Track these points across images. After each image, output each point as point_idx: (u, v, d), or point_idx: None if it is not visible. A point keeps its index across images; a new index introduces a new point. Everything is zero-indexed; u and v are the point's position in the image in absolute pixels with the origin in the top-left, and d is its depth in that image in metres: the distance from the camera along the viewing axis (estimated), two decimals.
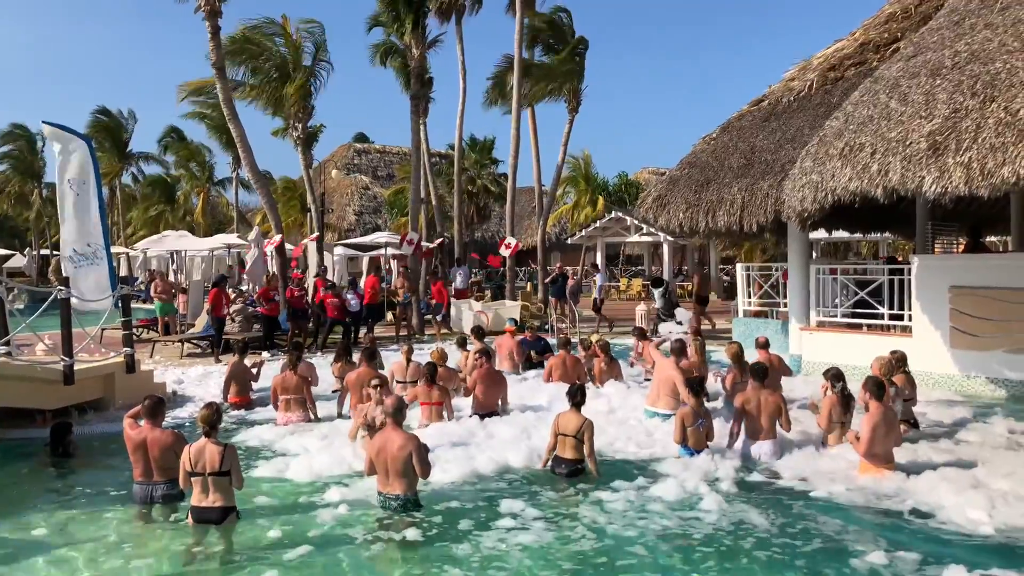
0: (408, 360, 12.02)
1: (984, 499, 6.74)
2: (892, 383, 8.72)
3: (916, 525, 6.47)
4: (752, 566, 5.74)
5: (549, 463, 8.06)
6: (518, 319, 19.06)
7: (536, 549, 6.05)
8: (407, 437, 6.80)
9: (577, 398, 8.08)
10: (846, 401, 8.51)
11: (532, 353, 14.16)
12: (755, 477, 7.88)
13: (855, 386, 8.46)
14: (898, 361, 9.50)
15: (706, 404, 8.68)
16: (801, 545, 6.08)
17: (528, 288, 30.49)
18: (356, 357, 12.29)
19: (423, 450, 6.82)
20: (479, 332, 13.54)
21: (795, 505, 7.03)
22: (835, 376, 8.61)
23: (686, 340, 11.52)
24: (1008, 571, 5.48)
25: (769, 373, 9.19)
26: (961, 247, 16.15)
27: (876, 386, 7.72)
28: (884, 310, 12.83)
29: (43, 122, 12.11)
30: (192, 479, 6.45)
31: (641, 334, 14.10)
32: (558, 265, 27.29)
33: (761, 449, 8.40)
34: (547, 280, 24.16)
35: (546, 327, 20.68)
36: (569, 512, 6.93)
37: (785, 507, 6.97)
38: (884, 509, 6.84)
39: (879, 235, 23.75)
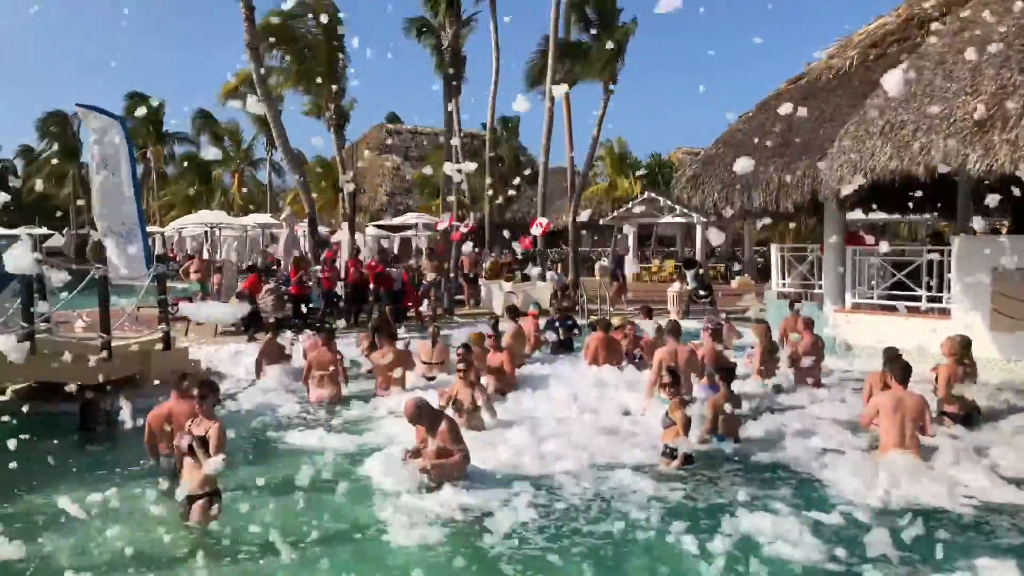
0: (435, 341, 12.04)
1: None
2: (964, 364, 8.61)
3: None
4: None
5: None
6: (547, 301, 19.03)
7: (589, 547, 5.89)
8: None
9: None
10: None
11: (559, 331, 14.16)
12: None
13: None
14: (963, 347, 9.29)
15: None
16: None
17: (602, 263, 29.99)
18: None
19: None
20: (514, 312, 13.56)
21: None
22: (890, 358, 8.49)
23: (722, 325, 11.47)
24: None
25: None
26: (1005, 229, 15.77)
27: (901, 369, 7.64)
28: (922, 292, 12.57)
29: (76, 104, 12.26)
30: None
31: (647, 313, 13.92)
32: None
33: None
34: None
35: (577, 307, 20.59)
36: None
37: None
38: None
39: (918, 216, 23.32)
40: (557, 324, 14.34)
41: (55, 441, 8.73)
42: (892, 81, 7.92)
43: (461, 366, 8.98)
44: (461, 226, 24.72)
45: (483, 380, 10.32)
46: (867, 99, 11.81)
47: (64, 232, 53.55)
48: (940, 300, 12.40)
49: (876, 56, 14.39)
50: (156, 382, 10.26)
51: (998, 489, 6.71)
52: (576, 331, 14.39)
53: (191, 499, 6.19)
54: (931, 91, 9.99)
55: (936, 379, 8.62)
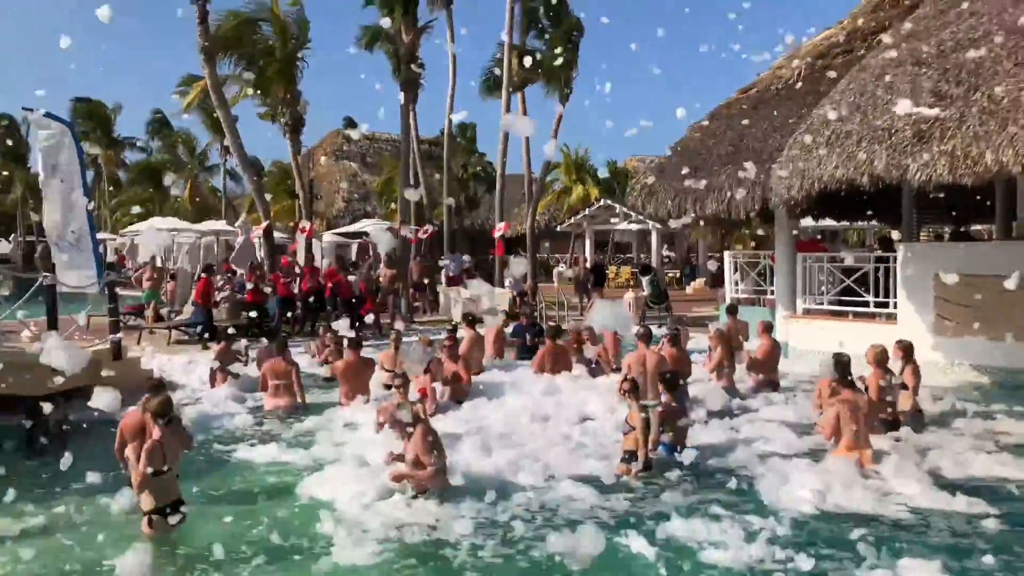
0: (397, 349, 12.03)
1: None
2: (890, 371, 8.85)
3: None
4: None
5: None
6: (507, 308, 19.09)
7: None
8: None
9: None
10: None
11: (528, 336, 14.21)
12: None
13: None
14: (905, 350, 9.51)
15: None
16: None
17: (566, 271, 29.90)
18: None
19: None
20: (470, 319, 13.56)
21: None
22: (837, 362, 8.66)
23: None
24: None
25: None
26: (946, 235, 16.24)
27: (842, 371, 7.91)
28: (870, 298, 12.90)
29: (23, 109, 12.08)
30: None
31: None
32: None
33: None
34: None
35: (535, 314, 20.66)
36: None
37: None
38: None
39: (865, 223, 23.91)
40: (524, 330, 14.41)
41: (3, 454, 8.55)
42: None
43: (398, 382, 8.72)
44: (420, 231, 24.78)
45: (438, 387, 10.37)
46: (814, 109, 12.13)
47: (11, 239, 52.23)
48: (887, 306, 12.73)
49: (822, 67, 14.76)
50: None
51: (934, 492, 6.88)
52: (543, 337, 14.42)
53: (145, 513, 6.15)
54: (874, 102, 10.30)
55: (867, 388, 8.85)
